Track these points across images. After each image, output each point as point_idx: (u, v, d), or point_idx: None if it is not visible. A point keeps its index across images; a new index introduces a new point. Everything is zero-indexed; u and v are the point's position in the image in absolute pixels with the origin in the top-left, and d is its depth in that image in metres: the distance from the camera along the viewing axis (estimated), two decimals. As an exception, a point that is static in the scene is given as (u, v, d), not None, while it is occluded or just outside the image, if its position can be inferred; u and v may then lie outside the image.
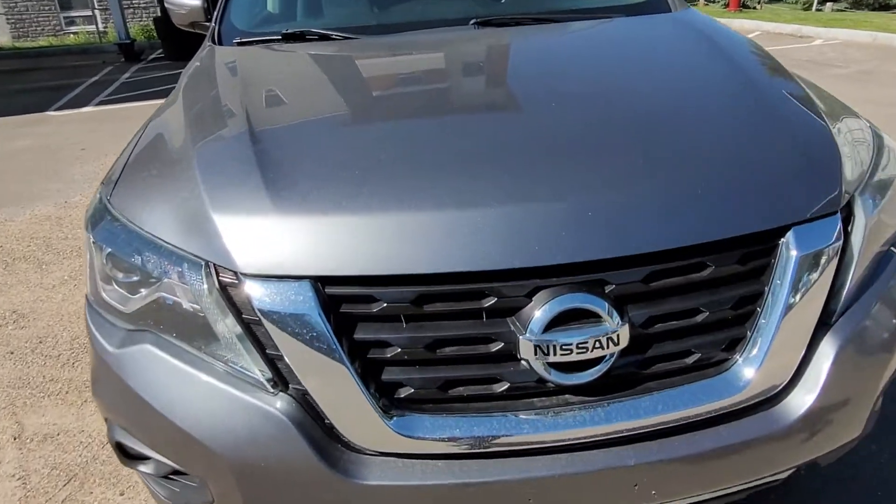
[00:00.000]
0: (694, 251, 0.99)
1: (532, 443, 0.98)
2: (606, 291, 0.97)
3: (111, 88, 8.21)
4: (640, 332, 0.99)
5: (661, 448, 1.02)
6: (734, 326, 1.05)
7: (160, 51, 11.16)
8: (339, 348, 0.94)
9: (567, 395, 1.01)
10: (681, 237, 0.98)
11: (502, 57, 1.65)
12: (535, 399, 1.01)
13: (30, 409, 2.23)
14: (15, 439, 2.09)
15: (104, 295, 1.15)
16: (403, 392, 0.98)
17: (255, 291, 0.96)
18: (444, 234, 0.95)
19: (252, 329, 0.99)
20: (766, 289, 1.02)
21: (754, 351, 1.03)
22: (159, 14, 10.59)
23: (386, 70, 1.62)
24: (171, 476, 1.16)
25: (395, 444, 0.97)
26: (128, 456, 1.19)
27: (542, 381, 0.99)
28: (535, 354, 0.95)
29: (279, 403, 0.98)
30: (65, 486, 1.88)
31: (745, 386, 1.02)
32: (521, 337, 0.95)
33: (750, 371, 1.02)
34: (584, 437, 0.99)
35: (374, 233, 0.96)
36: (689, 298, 1.01)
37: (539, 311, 0.94)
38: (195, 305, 1.02)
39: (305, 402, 0.99)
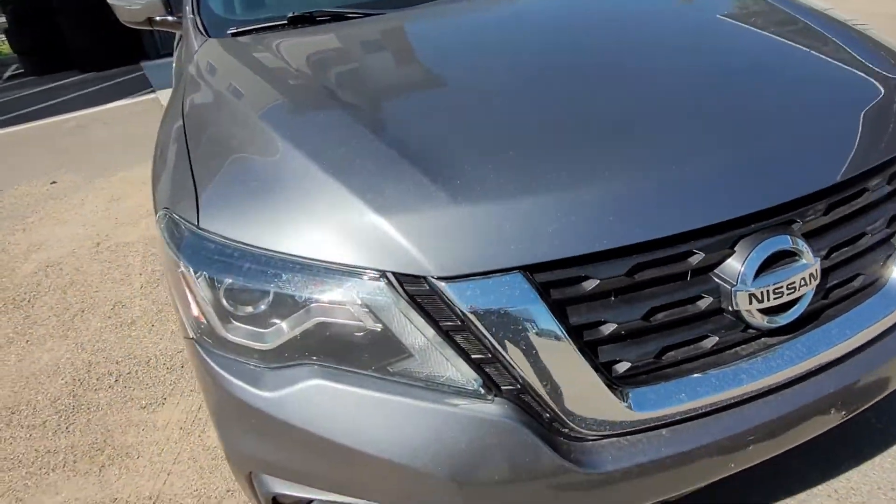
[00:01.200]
0: (857, 180, 1.03)
1: (749, 391, 0.97)
2: (797, 230, 0.97)
3: (-32, 118, 7.13)
4: (825, 264, 1.01)
5: (847, 371, 1.05)
6: (888, 244, 1.10)
7: (14, 67, 9.86)
8: (566, 335, 0.87)
9: (764, 339, 1.01)
10: (849, 169, 1.01)
11: (572, 20, 1.56)
12: (738, 349, 1.00)
13: (37, 491, 1.91)
14: (33, 527, 1.79)
15: (228, 335, 0.98)
16: (621, 368, 0.93)
17: (458, 294, 0.85)
18: (646, 201, 0.90)
19: (452, 335, 0.89)
20: None
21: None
22: (9, 26, 9.30)
23: (458, 42, 1.49)
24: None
25: (628, 422, 0.92)
26: (286, 509, 1.04)
27: (745, 329, 0.98)
28: (750, 303, 0.93)
29: (499, 408, 0.89)
30: (124, 564, 1.64)
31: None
32: (733, 289, 0.93)
33: (905, 283, 1.07)
34: (789, 376, 0.99)
35: (576, 211, 0.88)
36: (858, 224, 1.04)
37: (746, 261, 0.92)
38: (375, 324, 0.89)
39: (521, 402, 0.91)
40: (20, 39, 9.14)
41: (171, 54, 9.40)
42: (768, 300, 0.93)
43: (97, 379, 2.38)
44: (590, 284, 0.89)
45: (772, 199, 0.93)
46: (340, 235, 0.91)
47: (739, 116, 1.06)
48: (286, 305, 0.94)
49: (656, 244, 0.90)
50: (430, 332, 0.88)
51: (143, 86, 7.63)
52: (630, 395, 0.91)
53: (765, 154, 0.97)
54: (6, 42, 10.72)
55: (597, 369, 0.89)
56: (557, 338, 0.86)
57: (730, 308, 0.95)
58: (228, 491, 1.80)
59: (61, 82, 8.56)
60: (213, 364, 0.99)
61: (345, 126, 1.07)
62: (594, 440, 0.94)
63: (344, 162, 0.98)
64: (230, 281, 0.96)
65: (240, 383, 0.95)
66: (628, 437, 0.94)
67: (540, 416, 0.92)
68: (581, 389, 0.89)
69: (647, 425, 0.93)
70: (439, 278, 0.85)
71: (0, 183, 4.66)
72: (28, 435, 2.16)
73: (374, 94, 1.24)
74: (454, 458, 0.87)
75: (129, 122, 5.99)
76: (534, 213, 0.87)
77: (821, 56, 1.29)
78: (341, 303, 0.90)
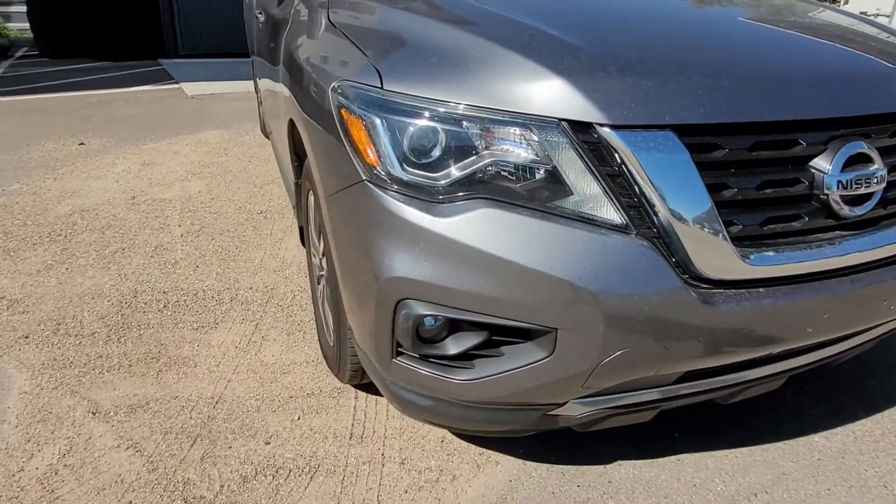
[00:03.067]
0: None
1: (829, 266, 1.17)
2: (872, 141, 1.21)
3: (-18, 85, 7.12)
4: (890, 177, 1.24)
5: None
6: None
7: (25, 49, 9.92)
8: (706, 190, 1.06)
9: (838, 232, 1.22)
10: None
11: None
12: (820, 234, 1.20)
13: (92, 386, 1.95)
14: (93, 414, 1.82)
15: (402, 174, 1.13)
16: (734, 230, 1.12)
17: (620, 141, 1.04)
18: (771, 91, 1.13)
19: (609, 178, 1.06)
20: None
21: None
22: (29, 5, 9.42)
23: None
24: (471, 352, 1.16)
25: (740, 273, 1.10)
26: (422, 340, 1.16)
27: (829, 216, 1.19)
28: (837, 188, 1.14)
29: (641, 240, 1.06)
30: (192, 446, 1.68)
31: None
32: (825, 176, 1.14)
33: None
34: (857, 261, 1.20)
35: (719, 88, 1.09)
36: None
37: (836, 155, 1.15)
38: (545, 164, 1.07)
39: (657, 243, 1.08)
40: (38, 18, 9.24)
41: (191, 55, 9.56)
42: (849, 189, 1.15)
43: (145, 304, 2.43)
44: (721, 152, 1.09)
45: (858, 110, 1.18)
46: (522, 91, 1.09)
47: (841, 54, 1.32)
48: (464, 149, 1.11)
49: (773, 127, 1.11)
50: (591, 173, 1.06)
51: (165, 77, 7.79)
52: (748, 252, 1.10)
53: (855, 78, 1.23)
54: (8, 27, 10.80)
55: (724, 224, 1.08)
56: (697, 190, 1.05)
57: (820, 195, 1.16)
58: (291, 397, 1.87)
59: (78, 66, 8.65)
60: (388, 197, 1.13)
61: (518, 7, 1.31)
62: (709, 287, 1.11)
63: (525, 38, 1.19)
64: (416, 125, 1.12)
65: (416, 211, 1.10)
66: (737, 289, 1.12)
67: (670, 258, 1.09)
68: (709, 240, 1.07)
69: (753, 278, 1.12)
70: (606, 125, 1.04)
71: (26, 139, 4.69)
72: (77, 342, 2.20)
73: None
74: (599, 273, 1.03)
75: (154, 103, 6.11)
76: (687, 85, 1.08)
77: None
78: (518, 144, 1.07)
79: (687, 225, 1.06)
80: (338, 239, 1.32)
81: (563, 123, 1.06)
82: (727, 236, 1.09)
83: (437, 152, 1.12)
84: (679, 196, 1.05)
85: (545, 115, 1.06)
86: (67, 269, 2.74)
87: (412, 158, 1.13)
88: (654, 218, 1.06)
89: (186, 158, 4.30)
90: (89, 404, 1.86)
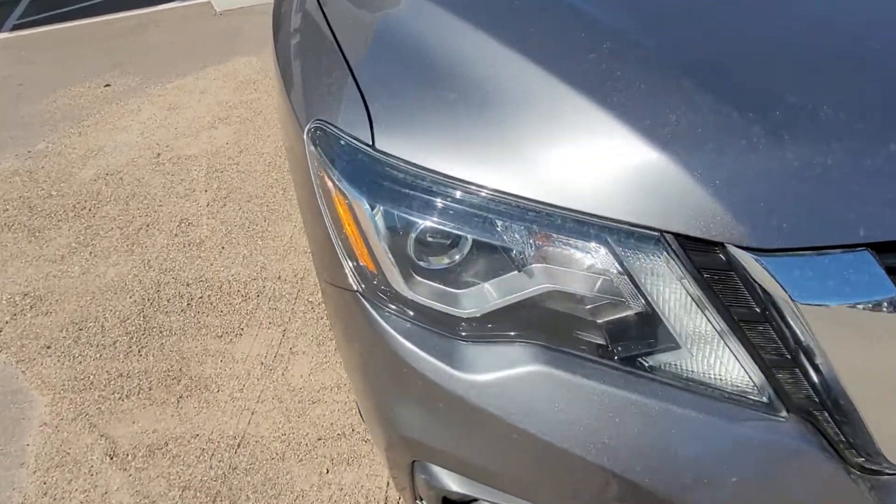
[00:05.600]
0: None
1: None
2: None
3: (19, 10, 6.83)
4: None
5: None
6: None
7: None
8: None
9: None
10: None
11: None
12: None
13: (111, 418, 1.79)
14: (111, 458, 1.67)
15: (411, 293, 0.74)
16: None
17: (776, 272, 0.60)
18: None
19: (746, 325, 0.64)
20: None
21: None
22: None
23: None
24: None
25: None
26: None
27: None
28: None
29: (794, 428, 0.65)
30: (212, 509, 1.51)
31: None
32: None
33: None
34: None
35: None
36: None
37: None
38: (634, 300, 0.65)
39: (813, 421, 0.67)
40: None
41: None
42: None
43: (167, 301, 2.23)
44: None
45: None
46: (592, 173, 0.65)
47: None
48: (500, 262, 0.71)
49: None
50: (716, 317, 0.64)
51: (193, -12, 7.21)
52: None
53: None
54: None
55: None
56: (897, 342, 0.62)
57: None
58: (319, 439, 1.65)
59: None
60: (389, 328, 0.76)
61: (588, 21, 0.78)
62: (891, 474, 0.71)
63: (595, 71, 0.71)
64: (424, 223, 0.71)
65: (430, 359, 0.73)
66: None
67: (833, 440, 0.68)
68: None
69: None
70: (748, 249, 0.60)
71: (52, 83, 4.45)
72: (98, 355, 2.04)
73: None
74: (720, 474, 0.65)
75: (180, 26, 5.67)
76: (881, 179, 0.60)
77: None
78: (589, 267, 0.66)
79: (873, 395, 0.64)
80: (340, 344, 0.98)
81: (670, 238, 0.63)
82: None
83: (460, 267, 0.72)
84: (871, 351, 0.62)
85: (640, 224, 0.63)
86: (91, 252, 2.56)
87: (423, 270, 0.74)
88: (815, 388, 0.64)
89: (214, 98, 3.93)
90: (107, 444, 1.71)
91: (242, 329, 2.07)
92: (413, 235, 0.73)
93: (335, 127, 0.83)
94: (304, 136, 0.88)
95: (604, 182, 0.65)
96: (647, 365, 0.68)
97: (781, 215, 0.60)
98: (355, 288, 0.81)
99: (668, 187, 0.62)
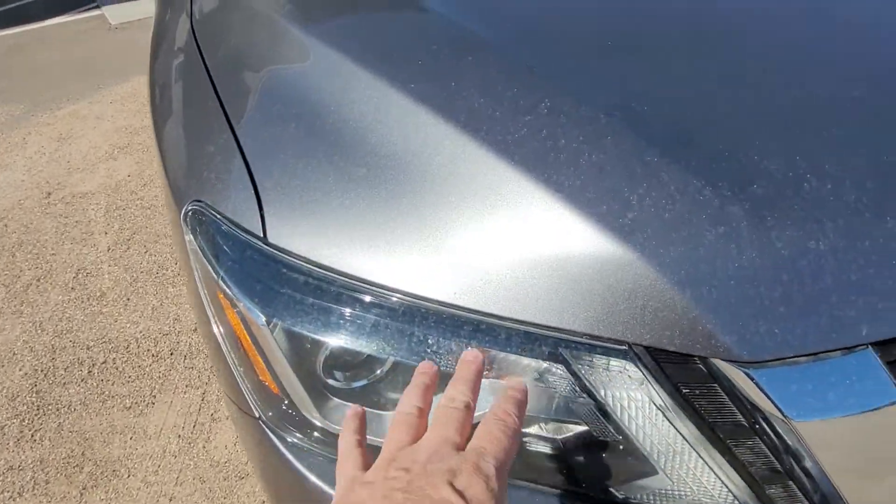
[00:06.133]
0: None
1: None
2: None
3: None
4: None
5: None
6: None
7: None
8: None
9: None
10: None
11: None
12: None
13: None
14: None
15: (326, 423, 0.59)
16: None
17: (766, 385, 0.49)
18: None
19: (733, 442, 0.53)
20: None
21: None
22: None
23: None
24: None
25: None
26: None
27: None
28: None
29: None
30: None
31: None
32: None
33: None
34: None
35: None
36: None
37: None
38: (598, 423, 0.53)
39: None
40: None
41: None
42: None
43: (65, 370, 1.95)
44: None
45: None
46: (540, 274, 0.52)
47: None
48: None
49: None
50: (698, 437, 0.52)
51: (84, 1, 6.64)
52: None
53: None
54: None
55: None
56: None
57: None
58: (251, 525, 1.46)
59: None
60: (300, 465, 0.60)
61: (522, 73, 0.64)
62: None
63: (534, 139, 0.57)
64: (333, 341, 0.56)
65: None
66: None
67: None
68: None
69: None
70: (735, 362, 0.49)
71: None
72: None
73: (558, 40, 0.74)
74: None
75: (73, 42, 5.18)
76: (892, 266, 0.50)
77: None
78: (545, 388, 0.53)
79: (880, 498, 0.55)
80: (253, 466, 0.81)
81: (640, 351, 0.50)
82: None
83: (383, 384, 0.58)
84: (870, 456, 0.53)
85: (605, 337, 0.50)
86: (-29, 318, 2.22)
87: (339, 391, 0.59)
88: (819, 500, 0.54)
89: (112, 124, 3.58)
90: (-6, 560, 1.45)
91: (155, 396, 1.83)
92: (323, 353, 0.58)
93: (216, 212, 0.66)
94: (181, 221, 0.70)
95: (556, 284, 0.52)
96: (620, 497, 0.55)
97: (772, 318, 0.49)
98: (256, 414, 0.65)
99: (633, 290, 0.50)
